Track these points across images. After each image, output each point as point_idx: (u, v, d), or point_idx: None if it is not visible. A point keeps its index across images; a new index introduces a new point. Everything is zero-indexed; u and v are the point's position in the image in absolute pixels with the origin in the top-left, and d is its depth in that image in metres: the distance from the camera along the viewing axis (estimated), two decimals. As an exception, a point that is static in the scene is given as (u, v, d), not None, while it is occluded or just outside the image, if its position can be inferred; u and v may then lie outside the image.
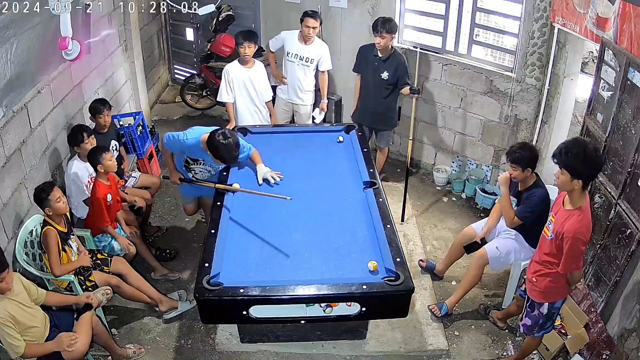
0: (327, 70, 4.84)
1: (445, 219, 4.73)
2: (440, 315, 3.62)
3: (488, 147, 4.91)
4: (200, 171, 3.70)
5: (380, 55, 4.41)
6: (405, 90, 4.33)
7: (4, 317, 2.60)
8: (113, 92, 5.11)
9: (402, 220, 4.55)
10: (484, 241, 3.58)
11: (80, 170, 3.76)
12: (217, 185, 3.53)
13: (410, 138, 4.47)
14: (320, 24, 4.62)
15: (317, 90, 4.99)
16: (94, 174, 3.68)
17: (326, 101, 4.99)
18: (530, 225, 3.28)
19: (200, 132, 3.47)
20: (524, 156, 3.17)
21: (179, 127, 6.18)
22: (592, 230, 2.74)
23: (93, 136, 3.81)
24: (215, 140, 3.26)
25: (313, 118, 5.00)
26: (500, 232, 3.60)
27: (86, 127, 3.92)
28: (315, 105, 5.01)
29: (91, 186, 3.66)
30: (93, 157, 3.56)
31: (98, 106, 4.15)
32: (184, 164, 3.70)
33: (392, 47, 4.44)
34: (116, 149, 4.27)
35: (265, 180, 3.58)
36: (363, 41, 4.72)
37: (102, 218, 3.56)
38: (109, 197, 3.55)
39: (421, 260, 4.07)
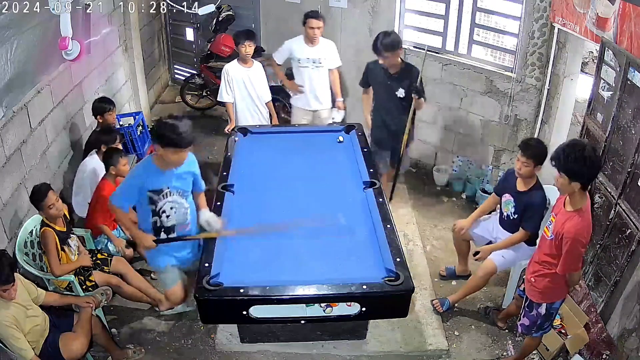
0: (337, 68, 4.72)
1: (445, 219, 4.73)
2: (442, 310, 3.62)
3: (488, 147, 4.91)
4: (171, 207, 2.89)
5: (390, 71, 4.04)
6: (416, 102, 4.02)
7: (10, 322, 2.61)
8: (113, 92, 5.11)
9: (390, 199, 4.41)
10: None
11: (100, 167, 3.77)
12: (202, 235, 2.94)
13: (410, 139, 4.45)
14: (324, 22, 4.49)
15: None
16: None
17: (342, 99, 4.80)
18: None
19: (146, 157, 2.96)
20: (540, 152, 3.16)
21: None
22: (592, 230, 2.74)
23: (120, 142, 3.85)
24: (161, 124, 2.74)
25: (332, 119, 4.80)
26: (495, 231, 3.61)
27: (117, 129, 3.92)
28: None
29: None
30: (109, 158, 3.58)
31: (104, 105, 4.15)
32: (149, 205, 2.86)
33: (402, 60, 4.07)
34: None
35: (207, 223, 2.98)
36: (363, 41, 4.71)
37: (102, 215, 3.56)
38: None
39: (441, 270, 4.04)
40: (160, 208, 2.87)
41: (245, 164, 3.78)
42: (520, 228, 3.35)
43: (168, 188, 2.85)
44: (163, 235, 2.94)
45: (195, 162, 3.03)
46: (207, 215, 2.99)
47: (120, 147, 3.82)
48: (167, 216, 2.90)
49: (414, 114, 4.11)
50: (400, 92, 4.05)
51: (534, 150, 3.17)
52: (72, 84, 4.24)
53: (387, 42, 3.86)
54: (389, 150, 4.37)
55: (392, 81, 4.05)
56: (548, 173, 3.10)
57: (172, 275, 3.10)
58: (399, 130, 4.17)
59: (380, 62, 3.99)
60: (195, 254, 3.07)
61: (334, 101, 4.84)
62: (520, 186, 3.35)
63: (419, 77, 3.92)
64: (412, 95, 3.95)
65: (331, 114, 4.85)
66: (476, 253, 3.50)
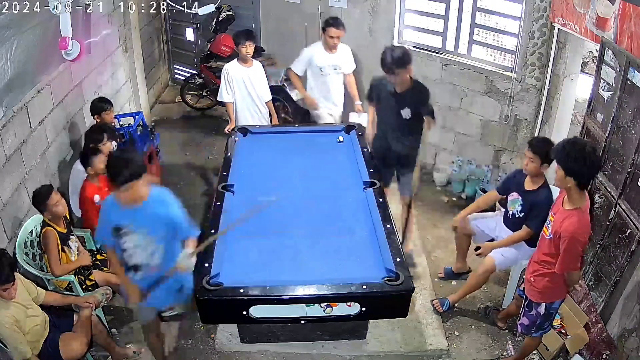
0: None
1: (445, 219, 4.72)
2: (442, 310, 3.62)
3: (488, 147, 4.91)
4: (135, 246, 2.64)
5: (397, 89, 3.62)
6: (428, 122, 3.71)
7: (10, 322, 2.61)
8: (113, 92, 5.11)
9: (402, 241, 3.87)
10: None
11: None
12: (172, 269, 2.66)
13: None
14: (344, 30, 4.39)
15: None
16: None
17: (360, 102, 4.66)
18: None
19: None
20: (546, 148, 3.13)
21: (179, 127, 6.21)
22: (592, 230, 2.75)
23: (112, 141, 3.80)
24: (110, 154, 2.79)
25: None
26: (498, 230, 3.61)
27: (108, 127, 3.90)
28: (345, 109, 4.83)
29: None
30: (85, 158, 3.54)
31: (103, 105, 4.16)
32: (115, 239, 2.66)
33: (411, 77, 3.61)
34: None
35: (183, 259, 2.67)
36: (363, 42, 4.70)
37: (89, 218, 3.55)
38: (97, 198, 3.53)
39: (439, 273, 4.04)
40: (122, 245, 2.65)
41: (245, 164, 3.79)
42: (524, 226, 3.35)
43: (129, 226, 2.59)
44: (132, 272, 2.73)
45: (169, 205, 2.65)
46: (187, 253, 2.67)
47: (110, 146, 3.76)
48: (130, 254, 2.67)
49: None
50: (406, 113, 3.62)
51: (539, 147, 3.17)
52: (72, 84, 4.24)
53: (396, 57, 3.45)
54: (390, 168, 4.02)
55: (397, 100, 3.63)
56: (553, 172, 3.12)
57: (145, 312, 2.98)
58: (400, 152, 3.80)
59: (389, 79, 3.58)
60: (176, 297, 2.88)
61: (344, 104, 4.82)
62: (528, 185, 3.35)
63: (429, 97, 3.59)
64: (424, 117, 3.62)
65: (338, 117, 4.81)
66: (477, 248, 3.51)
